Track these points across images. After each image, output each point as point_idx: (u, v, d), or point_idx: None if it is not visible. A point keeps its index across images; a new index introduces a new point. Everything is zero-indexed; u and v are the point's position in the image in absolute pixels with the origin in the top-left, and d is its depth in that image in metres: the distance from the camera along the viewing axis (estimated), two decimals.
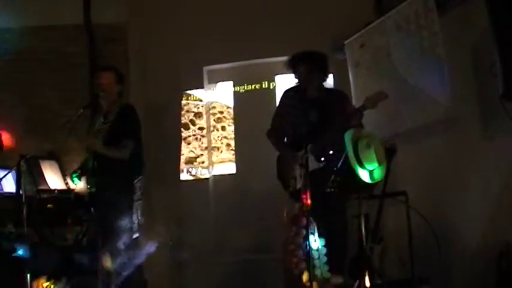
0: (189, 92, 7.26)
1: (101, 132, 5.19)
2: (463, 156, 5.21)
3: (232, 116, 7.18)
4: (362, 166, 4.26)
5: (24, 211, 5.13)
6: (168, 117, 7.34)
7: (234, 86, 7.27)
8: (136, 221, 5.18)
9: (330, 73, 5.18)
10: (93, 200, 5.19)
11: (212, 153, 7.21)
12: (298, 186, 4.67)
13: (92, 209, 5.27)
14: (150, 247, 5.04)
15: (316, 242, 4.45)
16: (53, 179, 6.15)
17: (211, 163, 7.18)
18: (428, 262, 5.23)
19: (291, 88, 5.33)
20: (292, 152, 4.87)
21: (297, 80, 5.10)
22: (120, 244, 5.02)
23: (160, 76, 7.30)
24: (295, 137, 4.92)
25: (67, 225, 5.80)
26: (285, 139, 5.11)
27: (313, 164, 4.61)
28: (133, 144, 5.13)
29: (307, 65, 4.94)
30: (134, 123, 5.25)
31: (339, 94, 5.09)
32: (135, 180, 5.18)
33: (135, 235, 5.21)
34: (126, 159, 5.08)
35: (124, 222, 5.09)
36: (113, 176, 5.06)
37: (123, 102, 5.43)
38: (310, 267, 4.29)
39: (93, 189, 5.13)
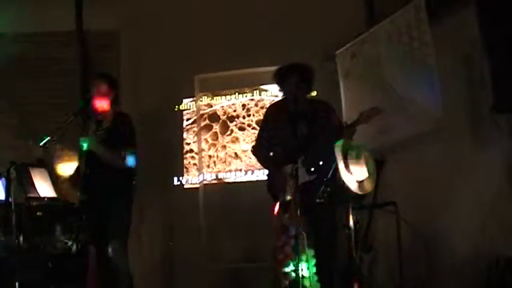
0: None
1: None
2: (453, 167, 5.23)
3: None
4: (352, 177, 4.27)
5: (14, 219, 5.10)
6: (160, 124, 7.33)
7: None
8: None
9: (317, 83, 5.15)
10: (85, 208, 5.17)
11: (203, 157, 7.23)
12: (288, 197, 4.66)
13: (84, 217, 5.26)
14: None
15: (305, 252, 4.45)
16: (43, 187, 6.11)
17: (201, 168, 7.19)
18: (417, 272, 5.24)
19: (275, 103, 5.32)
20: (280, 166, 4.86)
21: (282, 93, 5.08)
22: (115, 251, 5.01)
23: (152, 83, 7.30)
24: (284, 150, 4.90)
25: (56, 233, 5.77)
26: (271, 154, 5.07)
27: (303, 177, 4.60)
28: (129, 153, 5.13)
29: (295, 78, 4.91)
30: (130, 132, 5.23)
31: (325, 105, 5.08)
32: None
33: None
34: (122, 167, 5.07)
35: (121, 228, 5.09)
36: (107, 183, 5.04)
37: (117, 109, 5.41)
38: (299, 277, 4.30)
39: (85, 197, 5.10)
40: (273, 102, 5.51)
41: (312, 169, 4.70)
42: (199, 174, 7.20)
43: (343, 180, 4.22)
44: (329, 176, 4.30)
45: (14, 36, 7.66)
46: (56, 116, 7.08)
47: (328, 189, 4.32)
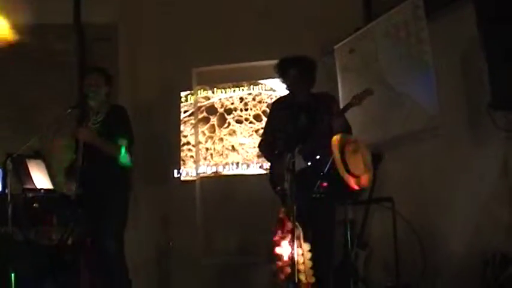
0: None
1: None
2: (450, 164, 5.23)
3: None
4: (349, 172, 4.27)
5: (10, 210, 5.10)
6: (157, 117, 7.33)
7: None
8: None
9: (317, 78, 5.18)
10: (81, 200, 5.15)
11: (200, 150, 7.24)
12: (286, 187, 4.68)
13: (80, 210, 5.25)
14: None
15: (301, 247, 4.44)
16: (40, 178, 6.11)
17: (198, 160, 7.21)
18: (413, 269, 5.25)
19: (279, 98, 5.35)
20: (281, 156, 4.87)
21: (285, 85, 5.10)
22: (111, 243, 5.01)
23: (150, 76, 7.30)
24: (285, 141, 4.92)
25: (52, 225, 5.77)
26: (276, 152, 5.11)
27: (299, 164, 4.61)
28: (126, 144, 5.13)
29: (297, 70, 4.93)
30: (126, 124, 5.24)
31: (327, 97, 5.10)
32: None
33: None
34: (117, 158, 5.07)
35: (117, 222, 5.09)
36: (104, 176, 5.04)
37: (111, 103, 5.41)
38: (295, 271, 4.29)
39: (81, 190, 5.08)
40: (277, 97, 5.52)
41: (309, 163, 4.71)
42: (196, 167, 7.19)
43: (340, 175, 4.23)
44: (325, 170, 4.31)
45: (12, 28, 7.64)
46: (53, 109, 7.08)
47: (325, 183, 4.32)
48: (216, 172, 7.16)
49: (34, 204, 5.77)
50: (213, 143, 7.25)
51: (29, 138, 5.33)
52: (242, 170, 7.07)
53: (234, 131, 7.19)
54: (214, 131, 7.27)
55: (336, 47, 6.54)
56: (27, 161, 6.06)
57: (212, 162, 7.20)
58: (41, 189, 6.02)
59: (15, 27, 7.59)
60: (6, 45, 7.50)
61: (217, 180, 7.11)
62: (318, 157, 4.67)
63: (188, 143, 7.37)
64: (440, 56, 5.22)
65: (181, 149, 7.36)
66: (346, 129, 4.74)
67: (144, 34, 7.37)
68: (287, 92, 5.12)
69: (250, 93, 7.18)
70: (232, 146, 7.17)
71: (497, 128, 4.58)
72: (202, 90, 7.33)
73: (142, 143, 6.08)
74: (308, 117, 4.89)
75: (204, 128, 7.30)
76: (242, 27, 6.94)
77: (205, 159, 7.24)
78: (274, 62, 5.11)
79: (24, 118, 7.42)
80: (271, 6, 6.93)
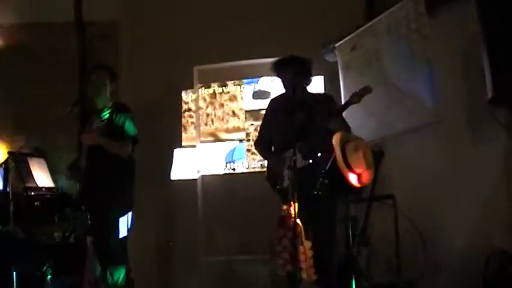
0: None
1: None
2: (452, 161, 5.22)
3: None
4: (350, 169, 4.26)
5: (11, 208, 5.10)
6: (158, 115, 7.32)
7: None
8: None
9: (317, 75, 5.17)
10: (84, 200, 5.14)
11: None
12: (285, 185, 4.69)
13: (82, 209, 5.23)
14: None
15: (303, 244, 4.44)
16: (41, 177, 6.11)
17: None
18: (415, 265, 5.25)
19: (276, 97, 5.35)
20: (279, 153, 4.88)
21: (282, 84, 5.11)
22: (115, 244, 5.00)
23: (151, 74, 7.29)
24: (283, 138, 4.92)
25: (54, 223, 5.77)
26: (273, 148, 5.11)
27: (299, 162, 4.61)
28: (131, 143, 5.13)
29: (292, 71, 4.95)
30: (131, 123, 5.23)
31: (324, 96, 5.11)
32: None
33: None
34: (124, 157, 5.06)
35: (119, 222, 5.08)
36: (108, 177, 5.03)
37: (115, 100, 5.40)
38: (297, 270, 4.29)
39: (84, 190, 5.07)
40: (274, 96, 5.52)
41: (310, 161, 4.70)
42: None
43: (341, 172, 4.22)
44: (327, 167, 4.30)
45: (13, 26, 7.65)
46: (53, 107, 7.09)
47: (326, 181, 4.32)
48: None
49: (36, 203, 5.76)
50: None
51: (30, 137, 5.33)
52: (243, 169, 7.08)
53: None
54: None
55: (337, 44, 6.52)
56: (28, 159, 6.06)
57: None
58: (42, 187, 6.02)
59: (16, 25, 7.59)
60: (7, 43, 7.52)
61: (217, 178, 7.11)
62: (319, 155, 4.66)
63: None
64: (442, 52, 5.21)
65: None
66: (345, 128, 4.73)
67: (145, 32, 7.36)
68: (284, 90, 5.12)
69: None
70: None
71: (498, 124, 4.57)
72: (203, 88, 7.34)
73: (144, 141, 6.07)
74: (305, 115, 4.89)
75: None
76: (244, 25, 6.92)
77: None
78: (274, 59, 5.12)
79: (25, 116, 7.41)
80: (272, 3, 6.92)
